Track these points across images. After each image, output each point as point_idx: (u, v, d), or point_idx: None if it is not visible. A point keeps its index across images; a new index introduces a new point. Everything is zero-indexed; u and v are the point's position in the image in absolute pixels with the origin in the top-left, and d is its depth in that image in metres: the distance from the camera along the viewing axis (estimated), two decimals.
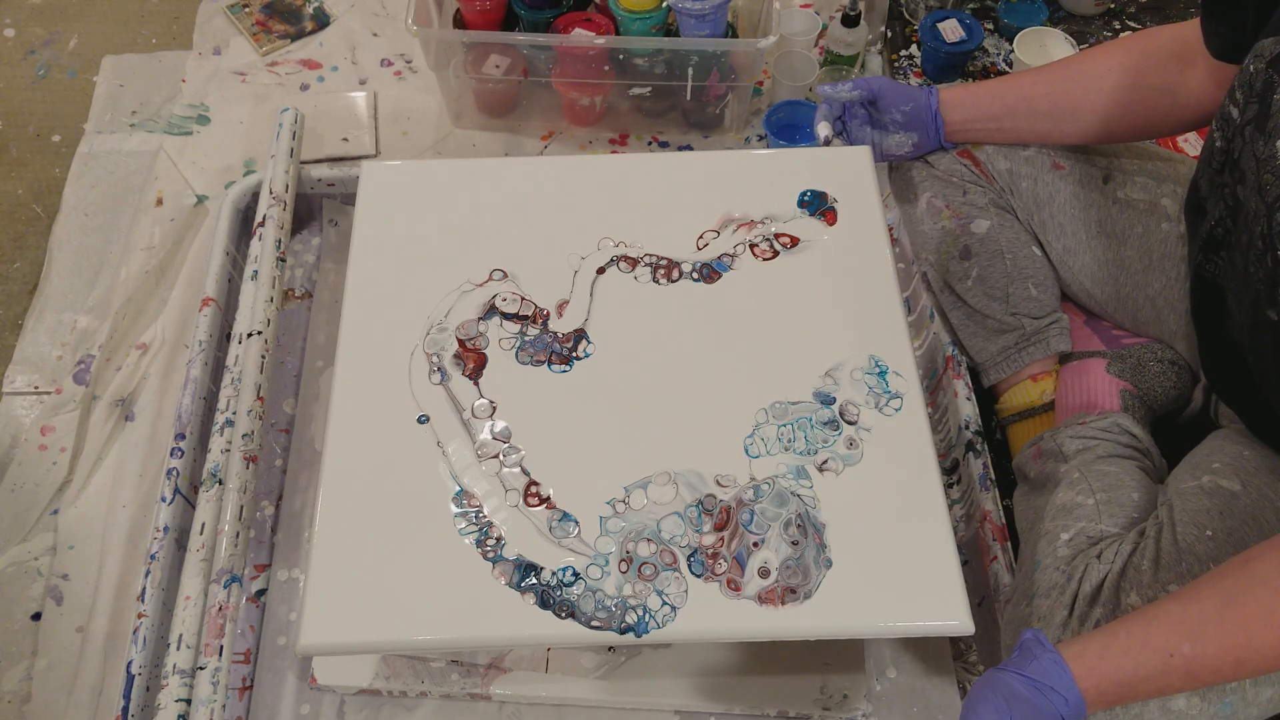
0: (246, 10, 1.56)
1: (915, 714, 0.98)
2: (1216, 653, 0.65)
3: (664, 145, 1.43)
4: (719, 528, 0.77)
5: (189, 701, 0.86)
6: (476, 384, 0.85)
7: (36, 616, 1.05)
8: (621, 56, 1.30)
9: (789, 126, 1.36)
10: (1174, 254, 0.96)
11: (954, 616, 0.73)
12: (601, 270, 0.91)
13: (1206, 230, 0.84)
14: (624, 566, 0.75)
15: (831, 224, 0.94)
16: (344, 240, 1.28)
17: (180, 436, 1.04)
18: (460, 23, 1.36)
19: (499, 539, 0.77)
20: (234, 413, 1.02)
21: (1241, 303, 0.79)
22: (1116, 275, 1.00)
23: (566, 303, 0.89)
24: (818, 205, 0.95)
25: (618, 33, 1.30)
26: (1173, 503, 0.82)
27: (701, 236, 0.93)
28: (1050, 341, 1.02)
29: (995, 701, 0.65)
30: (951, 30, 1.40)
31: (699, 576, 0.75)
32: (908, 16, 1.51)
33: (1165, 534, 0.79)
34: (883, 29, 1.51)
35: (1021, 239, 1.02)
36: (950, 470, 1.08)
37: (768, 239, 0.93)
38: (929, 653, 1.01)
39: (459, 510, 0.78)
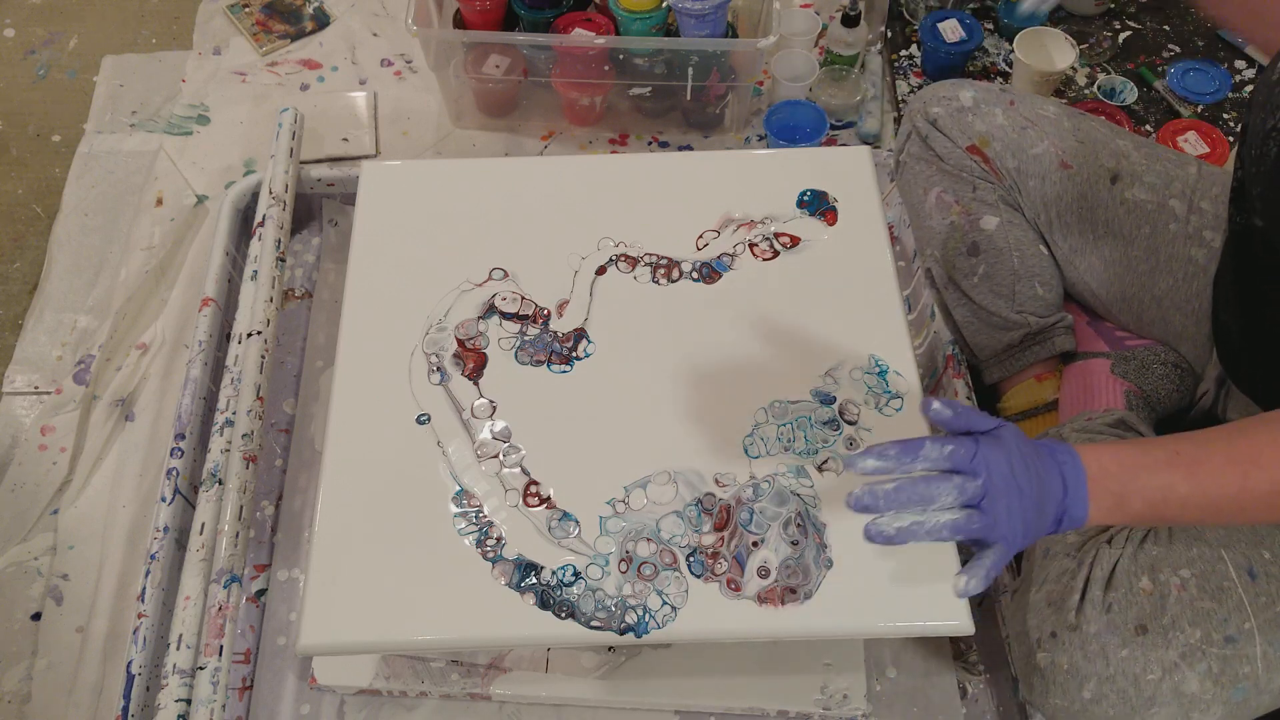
0: (246, 10, 1.56)
1: (915, 714, 0.98)
2: (1222, 462, 0.66)
3: (664, 145, 1.43)
4: (719, 527, 0.77)
5: (189, 701, 0.86)
6: (476, 384, 0.85)
7: (36, 616, 1.05)
8: (621, 56, 1.30)
9: (789, 126, 1.36)
10: (1181, 255, 0.96)
11: (954, 616, 0.73)
12: (601, 270, 0.91)
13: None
14: (624, 566, 0.75)
15: (831, 224, 0.93)
16: (344, 240, 1.28)
17: (180, 436, 1.04)
18: (460, 23, 1.36)
19: (499, 539, 0.76)
20: (234, 413, 1.02)
21: None
22: (1123, 275, 1.00)
23: (566, 302, 0.89)
24: (818, 205, 0.95)
25: (618, 33, 1.30)
26: None
27: (701, 236, 0.93)
28: (1055, 341, 1.02)
29: (998, 451, 0.65)
30: (951, 30, 1.40)
31: (699, 576, 0.75)
32: (908, 16, 1.51)
33: None
34: (883, 29, 1.51)
35: (1029, 237, 1.02)
36: None
37: (768, 239, 0.93)
38: (929, 653, 1.01)
39: (459, 510, 0.78)
